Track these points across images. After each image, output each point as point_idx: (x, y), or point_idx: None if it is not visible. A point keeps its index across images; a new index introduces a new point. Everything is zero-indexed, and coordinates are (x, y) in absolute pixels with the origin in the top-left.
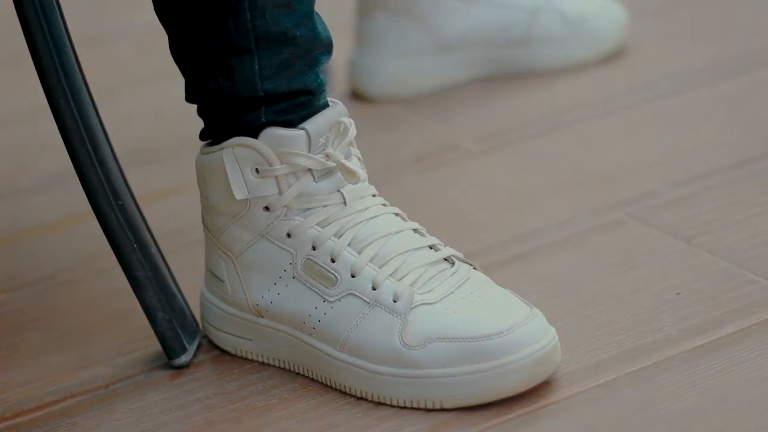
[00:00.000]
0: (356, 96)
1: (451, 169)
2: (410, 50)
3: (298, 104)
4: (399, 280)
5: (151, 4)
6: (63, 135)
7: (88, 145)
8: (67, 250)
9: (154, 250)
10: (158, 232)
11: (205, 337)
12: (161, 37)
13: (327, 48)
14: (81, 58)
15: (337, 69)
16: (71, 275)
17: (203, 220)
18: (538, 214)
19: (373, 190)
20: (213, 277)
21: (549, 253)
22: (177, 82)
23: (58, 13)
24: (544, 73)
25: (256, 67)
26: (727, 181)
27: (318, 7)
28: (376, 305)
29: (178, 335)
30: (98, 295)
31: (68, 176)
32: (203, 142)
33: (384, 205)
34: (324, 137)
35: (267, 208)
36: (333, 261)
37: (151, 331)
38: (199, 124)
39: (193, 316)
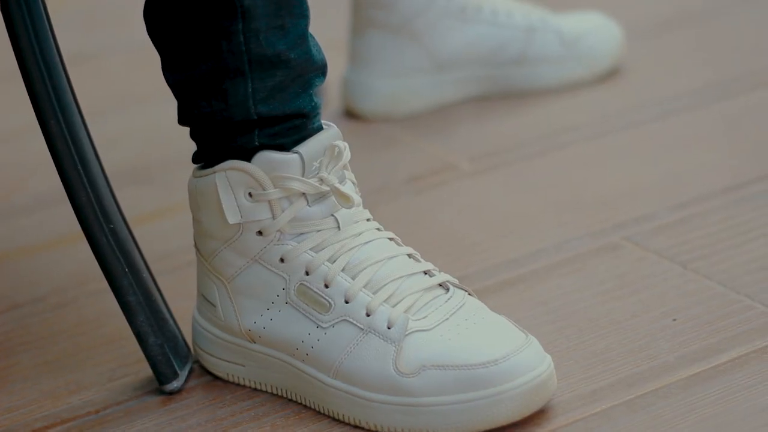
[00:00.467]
0: (350, 114)
1: (446, 189)
2: (405, 69)
3: (291, 128)
4: (393, 306)
5: (143, 21)
6: (54, 157)
7: (79, 168)
8: (57, 271)
9: (146, 274)
10: (150, 253)
11: (197, 362)
12: (153, 55)
13: (321, 70)
14: (72, 76)
15: (330, 87)
16: (62, 297)
17: (195, 243)
18: (534, 237)
19: (367, 214)
20: (205, 301)
21: (545, 277)
22: (169, 100)
23: (49, 31)
24: (540, 92)
25: (250, 89)
26: (724, 205)
27: (312, 23)
28: (369, 332)
29: (169, 360)
30: (89, 318)
31: (59, 196)
32: (196, 165)
33: (378, 229)
34: (318, 161)
35: (260, 233)
36: (327, 286)
37: (142, 356)
38: (192, 143)
39: (184, 340)
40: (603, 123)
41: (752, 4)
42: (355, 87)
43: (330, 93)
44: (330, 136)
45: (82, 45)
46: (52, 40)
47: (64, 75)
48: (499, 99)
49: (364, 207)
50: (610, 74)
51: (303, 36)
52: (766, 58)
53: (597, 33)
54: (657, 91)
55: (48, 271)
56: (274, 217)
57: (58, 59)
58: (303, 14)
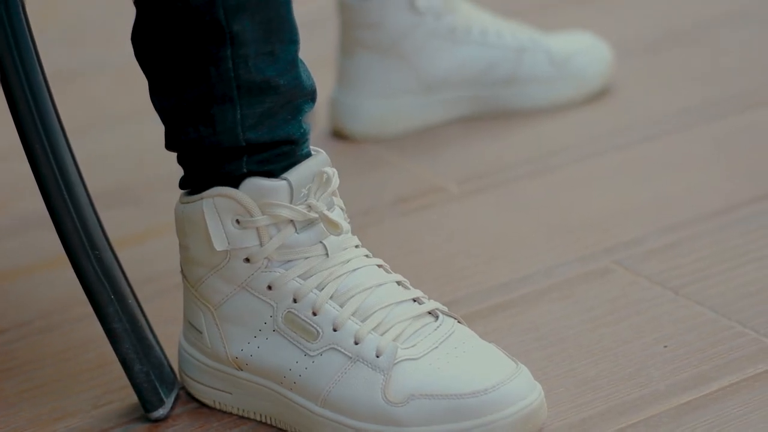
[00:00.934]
0: (338, 135)
1: (435, 212)
2: (393, 90)
3: (280, 154)
4: (382, 334)
5: (130, 40)
6: (39, 183)
7: (65, 194)
8: (42, 295)
9: (131, 300)
10: (135, 276)
11: (183, 388)
12: (139, 73)
13: (311, 96)
14: (58, 93)
15: (318, 107)
16: (47, 322)
17: (182, 270)
18: (524, 261)
19: (356, 240)
20: (191, 328)
21: (535, 303)
22: (155, 120)
23: (33, 52)
24: (529, 112)
25: (238, 116)
26: (715, 228)
27: (301, 40)
28: (358, 360)
29: (155, 387)
30: (74, 343)
31: (44, 217)
32: (182, 191)
33: (367, 256)
34: (306, 188)
35: (247, 260)
36: (315, 314)
37: (127, 382)
38: (178, 165)
39: (170, 367)
40: (592, 144)
41: (741, 24)
42: (343, 108)
43: (318, 113)
44: (319, 162)
45: (68, 62)
46: (36, 60)
47: (48, 98)
48: (488, 119)
49: (352, 229)
50: (600, 94)
51: (293, 62)
52: (755, 78)
53: (587, 53)
54: (646, 111)
55: (33, 295)
56: (261, 245)
57: (42, 80)
58: (293, 40)
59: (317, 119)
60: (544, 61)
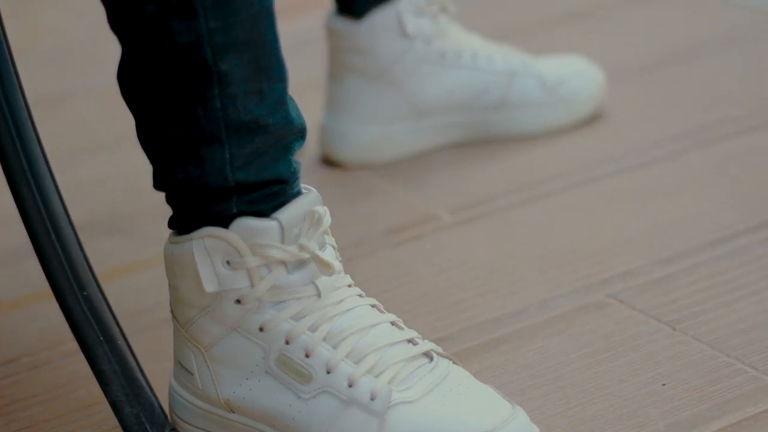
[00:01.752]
0: (327, 162)
1: (427, 242)
2: (383, 116)
3: (270, 194)
4: (376, 376)
5: (116, 64)
6: (24, 221)
7: (52, 233)
8: (29, 330)
9: (120, 341)
10: (124, 309)
11: (174, 430)
12: None
13: (300, 134)
14: (42, 119)
15: (308, 133)
16: (34, 359)
17: (172, 310)
18: (518, 294)
19: (348, 280)
20: (182, 369)
21: (529, 338)
22: None
23: (15, 80)
24: (521, 138)
25: (227, 156)
26: (711, 260)
27: (290, 62)
28: (352, 404)
29: (145, 430)
30: (62, 381)
31: (29, 249)
32: (171, 231)
33: (360, 296)
34: (297, 227)
35: (238, 301)
36: (307, 356)
37: (117, 422)
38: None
39: (161, 407)
40: (585, 171)
41: (733, 46)
42: (333, 134)
43: (307, 139)
44: (309, 201)
45: (54, 85)
46: (18, 88)
47: (32, 129)
48: (480, 145)
49: (344, 260)
50: (592, 119)
51: (281, 100)
52: (748, 102)
53: (578, 77)
54: (639, 137)
55: (20, 330)
56: (252, 286)
57: (25, 110)
58: (281, 77)
59: (306, 145)
60: (535, 86)
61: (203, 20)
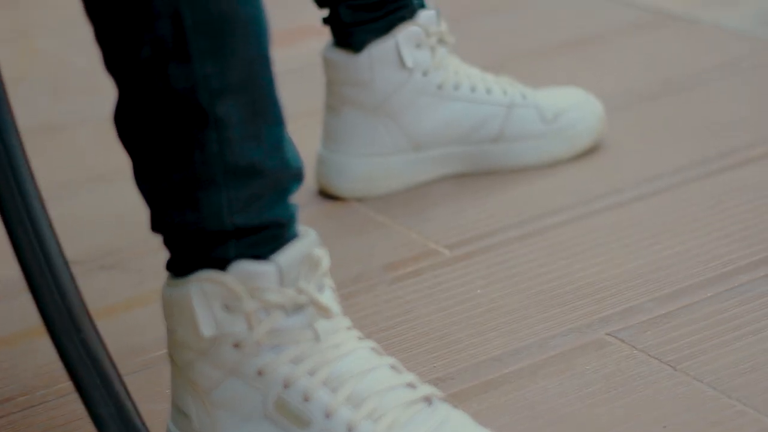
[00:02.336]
0: (324, 194)
1: (426, 279)
2: (381, 148)
3: (268, 237)
4: (375, 421)
5: (113, 93)
6: (19, 260)
7: (47, 275)
8: (24, 368)
9: (118, 385)
10: (120, 348)
11: None
12: None
13: (297, 176)
14: (39, 149)
15: (305, 165)
16: (30, 398)
17: (169, 353)
18: (517, 333)
19: (347, 322)
20: (179, 412)
21: (530, 378)
22: None
23: (8, 110)
24: (520, 170)
25: (225, 200)
26: (712, 297)
27: (284, 96)
28: None
29: None
30: (59, 421)
31: (23, 284)
32: (169, 274)
33: (359, 338)
34: (296, 270)
35: (236, 345)
36: (306, 400)
37: None
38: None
39: None
40: (584, 205)
41: (733, 75)
42: (330, 166)
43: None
44: (308, 243)
45: (50, 114)
46: (10, 120)
47: (27, 168)
48: (478, 177)
49: (341, 297)
50: (591, 151)
51: (279, 143)
52: (749, 132)
53: (578, 109)
54: (639, 169)
55: (15, 368)
56: (251, 329)
57: (18, 145)
58: (278, 120)
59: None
60: (534, 118)
61: (199, 65)
